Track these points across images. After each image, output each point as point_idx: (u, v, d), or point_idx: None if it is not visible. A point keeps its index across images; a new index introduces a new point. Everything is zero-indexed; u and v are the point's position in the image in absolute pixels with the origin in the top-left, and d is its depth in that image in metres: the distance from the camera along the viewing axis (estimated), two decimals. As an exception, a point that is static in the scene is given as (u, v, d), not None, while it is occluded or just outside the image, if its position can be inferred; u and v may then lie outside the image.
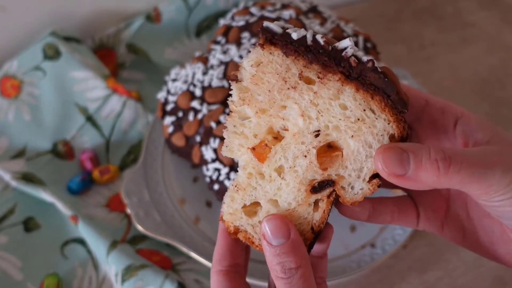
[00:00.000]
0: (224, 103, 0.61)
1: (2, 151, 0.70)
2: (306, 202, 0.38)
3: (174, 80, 0.67)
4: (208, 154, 0.60)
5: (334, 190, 0.38)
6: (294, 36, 0.35)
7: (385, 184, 0.38)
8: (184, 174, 0.67)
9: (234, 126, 0.38)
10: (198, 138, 0.61)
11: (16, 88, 0.72)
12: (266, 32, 0.35)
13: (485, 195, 0.34)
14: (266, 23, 0.35)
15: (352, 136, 0.36)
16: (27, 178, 0.66)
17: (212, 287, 0.39)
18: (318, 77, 0.35)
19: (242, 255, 0.40)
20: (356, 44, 0.67)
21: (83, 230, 0.61)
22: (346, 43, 0.34)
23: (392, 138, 0.35)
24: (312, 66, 0.35)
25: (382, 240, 0.60)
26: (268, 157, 0.38)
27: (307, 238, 0.39)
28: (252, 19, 0.67)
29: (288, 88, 0.36)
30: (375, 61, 0.34)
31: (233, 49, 0.64)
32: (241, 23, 0.67)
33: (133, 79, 0.79)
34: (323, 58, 0.35)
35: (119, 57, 0.79)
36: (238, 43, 0.65)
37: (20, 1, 0.75)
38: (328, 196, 0.38)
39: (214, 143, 0.59)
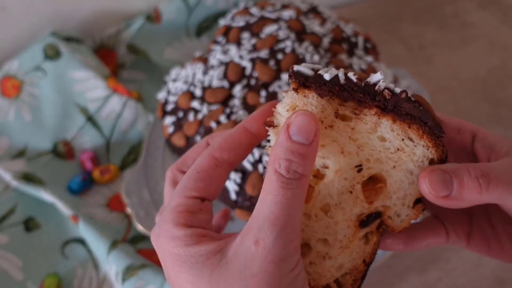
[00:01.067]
0: (224, 103, 0.61)
1: (3, 151, 0.70)
2: (356, 237, 0.38)
3: (174, 80, 0.67)
4: (208, 154, 0.60)
5: (381, 221, 0.38)
6: (327, 77, 0.34)
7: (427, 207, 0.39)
8: (184, 174, 0.67)
9: None
10: (198, 138, 0.61)
11: (17, 88, 0.72)
12: (298, 76, 0.35)
13: None
14: (296, 67, 0.35)
15: (394, 166, 0.36)
16: (28, 178, 0.66)
17: (196, 165, 0.36)
18: (355, 113, 0.35)
19: (242, 160, 0.38)
20: (356, 44, 0.67)
21: (83, 230, 0.61)
22: (378, 77, 0.35)
23: (431, 162, 0.36)
24: (347, 104, 0.35)
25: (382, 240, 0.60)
26: (312, 196, 0.37)
27: (359, 271, 0.39)
28: (252, 20, 0.67)
29: (326, 128, 0.36)
30: (407, 91, 0.35)
31: (233, 50, 0.64)
32: (241, 23, 0.67)
33: (133, 79, 0.79)
34: (358, 95, 0.35)
35: (119, 57, 0.79)
36: (238, 44, 0.65)
37: (20, 1, 0.75)
38: (377, 228, 0.38)
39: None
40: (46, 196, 0.64)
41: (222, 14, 0.82)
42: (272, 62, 0.61)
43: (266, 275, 0.31)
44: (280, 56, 0.62)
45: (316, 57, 0.62)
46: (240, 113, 0.60)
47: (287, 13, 0.67)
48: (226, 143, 0.36)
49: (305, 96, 0.35)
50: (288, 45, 0.62)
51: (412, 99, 0.35)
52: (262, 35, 0.64)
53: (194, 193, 0.35)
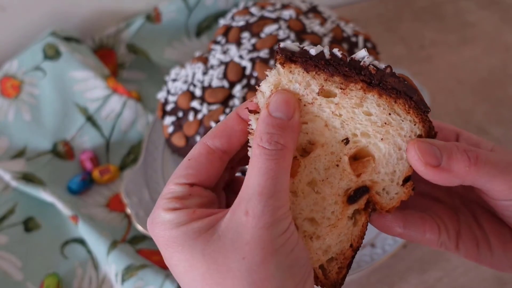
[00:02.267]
0: (224, 103, 0.61)
1: (2, 151, 0.70)
2: (345, 215, 0.38)
3: (174, 80, 0.67)
4: (208, 154, 0.60)
5: (370, 203, 0.38)
6: (313, 52, 0.35)
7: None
8: (184, 174, 0.67)
9: None
10: (198, 138, 0.61)
11: (16, 88, 0.72)
12: (284, 51, 0.36)
13: (509, 190, 0.35)
14: (283, 44, 0.36)
15: (382, 139, 0.36)
16: (27, 178, 0.66)
17: (190, 155, 0.37)
18: (340, 88, 0.36)
19: (237, 147, 0.38)
20: (356, 44, 0.67)
21: (83, 230, 0.61)
22: (363, 53, 0.36)
23: (419, 138, 0.36)
24: (333, 79, 0.36)
25: (382, 240, 0.60)
26: (298, 171, 0.37)
27: (346, 256, 0.38)
28: (252, 19, 0.67)
29: (306, 105, 0.36)
30: (392, 67, 0.36)
31: (233, 49, 0.64)
32: (241, 23, 0.67)
33: (133, 79, 0.79)
34: (343, 69, 0.35)
35: (119, 57, 0.79)
36: (238, 43, 0.65)
37: (20, 1, 0.75)
38: (365, 209, 0.38)
39: (214, 143, 0.59)
40: (45, 196, 0.64)
41: (222, 14, 0.81)
42: (272, 62, 0.61)
43: (258, 240, 0.32)
44: (280, 56, 0.62)
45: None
46: (240, 113, 0.60)
47: (287, 13, 0.67)
48: (218, 130, 0.37)
49: (290, 71, 0.36)
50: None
51: (397, 74, 0.35)
52: (262, 35, 0.64)
53: (183, 179, 0.36)
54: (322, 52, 0.35)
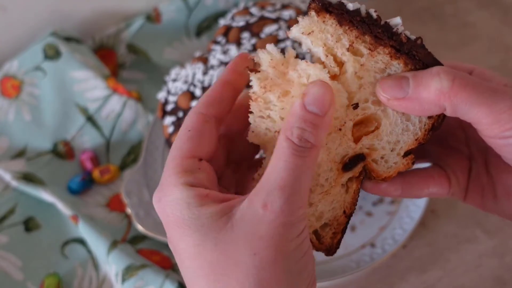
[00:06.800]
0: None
1: (3, 151, 0.70)
2: (339, 183, 0.37)
3: (174, 80, 0.67)
4: (208, 154, 0.60)
5: (363, 170, 0.38)
6: (350, 6, 0.35)
7: (418, 158, 0.38)
8: (184, 174, 0.67)
9: (260, 110, 0.36)
10: (198, 138, 0.61)
11: (17, 88, 0.72)
12: (321, 0, 0.35)
13: (497, 124, 0.33)
14: None
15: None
16: (28, 178, 0.66)
17: (185, 125, 0.36)
18: (369, 49, 0.35)
19: (227, 114, 0.38)
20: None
21: (83, 230, 0.61)
22: (397, 20, 0.36)
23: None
24: (364, 38, 0.35)
25: (382, 240, 0.60)
26: None
27: (340, 222, 0.38)
28: (252, 19, 0.67)
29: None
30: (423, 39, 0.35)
31: (233, 49, 0.64)
32: (241, 23, 0.67)
33: (133, 79, 0.79)
34: (376, 30, 0.35)
35: (119, 57, 0.79)
36: (238, 43, 0.65)
37: (20, 1, 0.75)
38: (357, 176, 0.38)
39: (214, 143, 0.59)
40: (46, 196, 0.64)
41: (222, 14, 0.81)
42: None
43: (273, 238, 0.31)
44: (280, 56, 0.62)
45: (316, 57, 0.62)
46: (240, 113, 0.60)
47: (287, 13, 0.67)
48: (210, 98, 0.37)
49: (324, 21, 0.35)
50: (288, 45, 0.62)
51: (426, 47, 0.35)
52: (262, 35, 0.64)
53: (189, 152, 0.34)
54: (358, 9, 0.35)
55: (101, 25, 0.80)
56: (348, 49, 0.35)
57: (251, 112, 0.37)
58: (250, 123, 0.37)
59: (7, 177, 0.66)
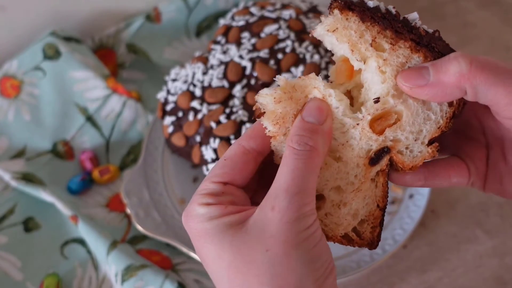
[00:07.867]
0: (224, 103, 0.61)
1: (2, 151, 0.70)
2: (368, 178, 0.39)
3: (174, 80, 0.67)
4: (208, 154, 0.60)
5: (389, 163, 0.39)
6: (370, 4, 0.38)
7: (441, 147, 0.39)
8: (184, 174, 0.67)
9: (281, 142, 0.39)
10: (198, 138, 0.61)
11: (16, 88, 0.72)
12: None
13: None
14: None
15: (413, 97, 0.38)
16: (27, 178, 0.66)
17: (225, 153, 0.39)
18: (391, 44, 0.38)
19: (269, 148, 0.40)
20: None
21: (83, 230, 0.61)
22: (415, 15, 0.38)
23: (450, 104, 0.38)
24: (385, 33, 0.38)
25: (382, 240, 0.59)
26: None
27: (376, 216, 0.40)
28: (252, 19, 0.67)
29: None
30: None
31: (233, 49, 0.64)
32: (241, 23, 0.67)
33: (133, 79, 0.79)
34: (397, 24, 0.38)
35: (119, 57, 0.79)
36: (238, 43, 0.65)
37: (20, 1, 0.75)
38: (384, 169, 0.39)
39: (214, 143, 0.59)
40: (45, 196, 0.64)
41: (222, 13, 0.81)
42: (272, 62, 0.61)
43: (281, 234, 0.34)
44: (280, 55, 0.62)
45: (316, 57, 0.61)
46: (240, 112, 0.59)
47: (287, 13, 0.67)
48: (253, 132, 0.39)
49: (347, 19, 0.37)
50: (288, 44, 0.62)
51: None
52: (262, 35, 0.64)
53: (217, 178, 0.38)
54: (378, 6, 0.38)
55: (100, 25, 0.80)
56: (371, 44, 0.37)
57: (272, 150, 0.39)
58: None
59: (7, 177, 0.66)
